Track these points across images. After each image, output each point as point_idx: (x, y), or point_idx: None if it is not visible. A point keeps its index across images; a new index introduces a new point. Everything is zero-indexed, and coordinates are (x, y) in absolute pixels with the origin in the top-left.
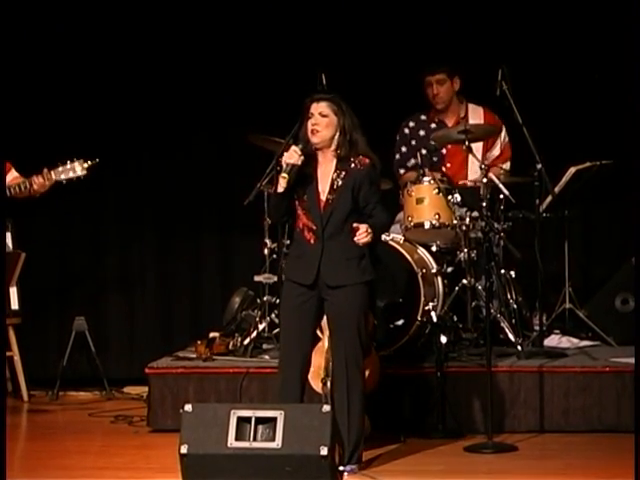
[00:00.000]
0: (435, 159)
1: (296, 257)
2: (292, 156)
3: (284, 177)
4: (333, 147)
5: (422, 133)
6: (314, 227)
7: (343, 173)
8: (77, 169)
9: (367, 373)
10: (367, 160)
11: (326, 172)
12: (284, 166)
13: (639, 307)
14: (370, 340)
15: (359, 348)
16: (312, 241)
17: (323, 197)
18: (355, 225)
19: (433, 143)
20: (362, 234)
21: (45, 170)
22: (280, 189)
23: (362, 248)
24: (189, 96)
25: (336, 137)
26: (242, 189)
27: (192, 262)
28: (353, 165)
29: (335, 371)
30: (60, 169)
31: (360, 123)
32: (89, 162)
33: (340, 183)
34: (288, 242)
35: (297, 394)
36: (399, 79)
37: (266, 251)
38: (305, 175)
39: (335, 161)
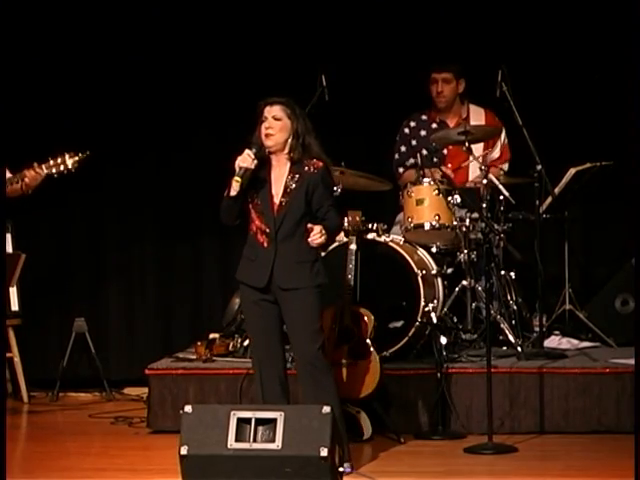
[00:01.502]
0: (436, 160)
1: (249, 260)
2: (245, 160)
3: (237, 181)
4: (286, 150)
5: (423, 133)
6: (267, 230)
7: (297, 176)
8: (68, 162)
9: (367, 375)
10: (320, 163)
11: (279, 175)
12: (237, 169)
13: (639, 308)
14: (370, 342)
15: (319, 351)
16: (265, 244)
17: (277, 200)
18: (310, 226)
19: (434, 144)
20: (316, 235)
21: (35, 164)
22: (233, 192)
23: (315, 251)
24: (190, 94)
25: (289, 141)
26: None
27: (192, 263)
28: (307, 168)
29: (300, 378)
30: (51, 162)
31: (313, 127)
32: (80, 155)
33: (293, 186)
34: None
35: (278, 393)
36: (399, 78)
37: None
38: (258, 178)
39: (289, 164)
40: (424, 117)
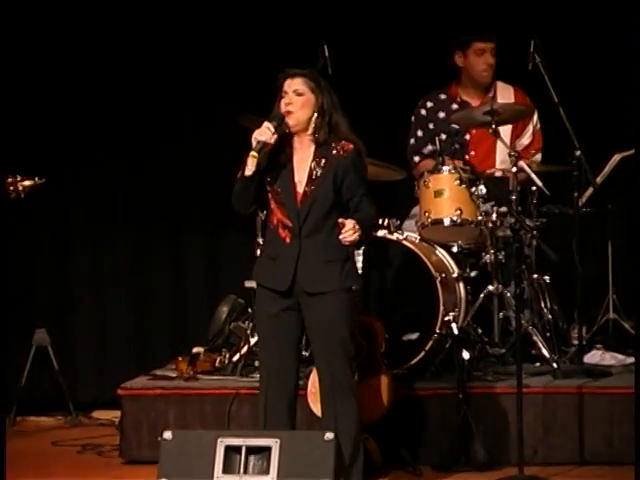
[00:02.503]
0: (457, 145)
1: (269, 259)
2: (264, 133)
3: (254, 156)
4: (310, 130)
5: (442, 115)
6: (290, 224)
7: (323, 161)
8: (19, 187)
9: (378, 394)
10: (351, 145)
11: (303, 160)
12: (254, 144)
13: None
14: (380, 357)
15: (346, 367)
16: (288, 240)
17: (300, 189)
18: (341, 220)
19: (454, 126)
20: (348, 231)
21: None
22: (248, 171)
23: (346, 249)
24: (170, 70)
25: (313, 119)
26: (231, 179)
27: (172, 265)
28: (334, 151)
29: (321, 396)
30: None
31: (341, 103)
32: (35, 180)
33: (319, 172)
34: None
35: (285, 419)
36: (415, 50)
37: (258, 252)
38: (279, 163)
39: (313, 147)
40: (443, 96)
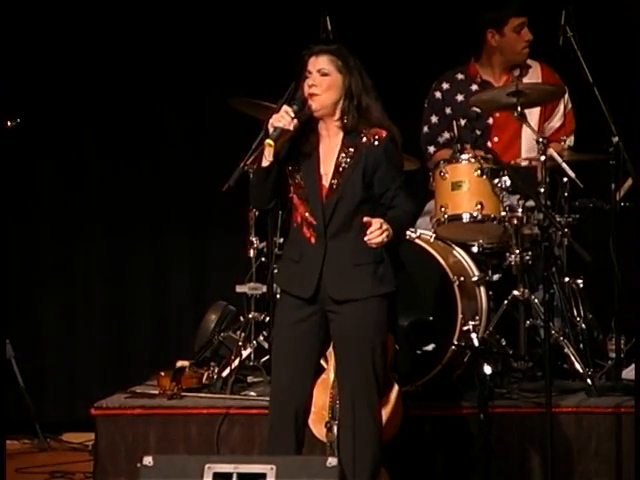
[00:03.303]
0: (479, 132)
1: (292, 261)
2: (282, 118)
3: (269, 145)
4: (337, 115)
5: (460, 98)
6: (314, 222)
7: (351, 150)
8: None
9: (385, 414)
10: (384, 132)
11: (330, 149)
12: (270, 130)
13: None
14: (389, 372)
15: (373, 383)
16: (312, 240)
17: (326, 182)
18: (366, 219)
19: (475, 109)
20: (374, 232)
21: None
22: (265, 162)
23: (379, 250)
24: (151, 48)
25: (340, 102)
26: (220, 170)
27: (153, 268)
28: (365, 139)
29: (341, 412)
30: None
31: (374, 84)
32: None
33: (347, 163)
34: (282, 240)
35: (292, 443)
36: (429, 23)
37: (252, 252)
38: (303, 152)
39: (341, 134)
40: (460, 76)
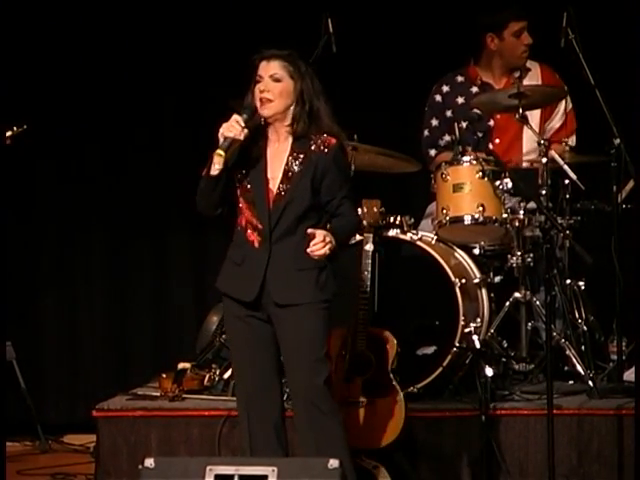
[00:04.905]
0: (480, 134)
1: (234, 264)
2: (232, 128)
3: (219, 155)
4: (288, 121)
5: (460, 100)
6: (260, 226)
7: (301, 156)
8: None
9: (387, 416)
10: (333, 140)
11: (279, 154)
12: (221, 140)
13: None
14: (391, 374)
15: (323, 386)
16: (256, 244)
17: (273, 187)
18: (310, 231)
19: (476, 111)
20: (317, 244)
21: None
22: (214, 171)
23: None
24: (151, 50)
25: (292, 108)
26: None
27: (155, 269)
28: (314, 146)
29: (297, 421)
30: None
31: (323, 89)
32: (14, 129)
33: (296, 169)
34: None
35: (271, 442)
36: (429, 26)
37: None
38: (251, 156)
39: (291, 140)
40: (460, 78)
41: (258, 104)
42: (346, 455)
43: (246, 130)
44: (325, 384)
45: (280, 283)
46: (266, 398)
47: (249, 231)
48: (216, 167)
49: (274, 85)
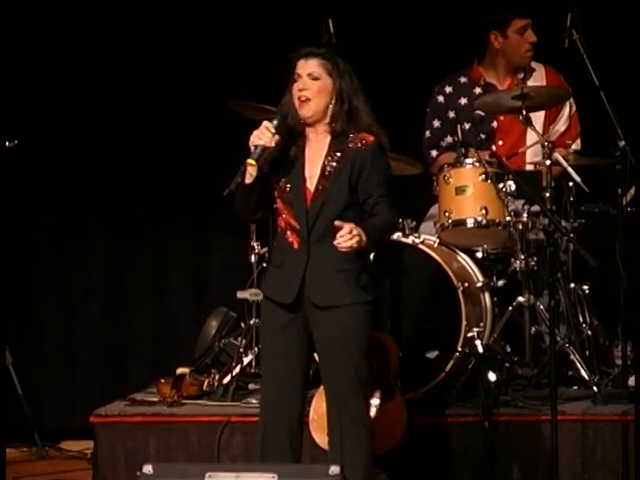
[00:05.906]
0: (483, 135)
1: (275, 267)
2: (262, 135)
3: (251, 164)
4: (327, 120)
5: (463, 101)
6: (298, 226)
7: (338, 154)
8: None
9: (388, 422)
10: (371, 137)
11: (316, 152)
12: (252, 149)
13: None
14: (393, 379)
15: (358, 392)
16: (295, 245)
17: (311, 185)
18: (337, 223)
19: (479, 113)
20: (344, 236)
21: None
22: (248, 179)
23: (362, 257)
24: (152, 52)
25: (331, 107)
26: (221, 174)
27: (153, 273)
28: (352, 144)
29: (329, 423)
30: None
31: (362, 87)
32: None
33: (334, 167)
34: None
35: (286, 451)
36: (432, 26)
37: (253, 258)
38: (289, 156)
39: (329, 138)
40: (463, 79)
41: (297, 105)
42: (370, 462)
43: (277, 136)
44: (359, 388)
45: (319, 285)
46: (287, 404)
47: (288, 232)
48: (250, 176)
49: (312, 83)
